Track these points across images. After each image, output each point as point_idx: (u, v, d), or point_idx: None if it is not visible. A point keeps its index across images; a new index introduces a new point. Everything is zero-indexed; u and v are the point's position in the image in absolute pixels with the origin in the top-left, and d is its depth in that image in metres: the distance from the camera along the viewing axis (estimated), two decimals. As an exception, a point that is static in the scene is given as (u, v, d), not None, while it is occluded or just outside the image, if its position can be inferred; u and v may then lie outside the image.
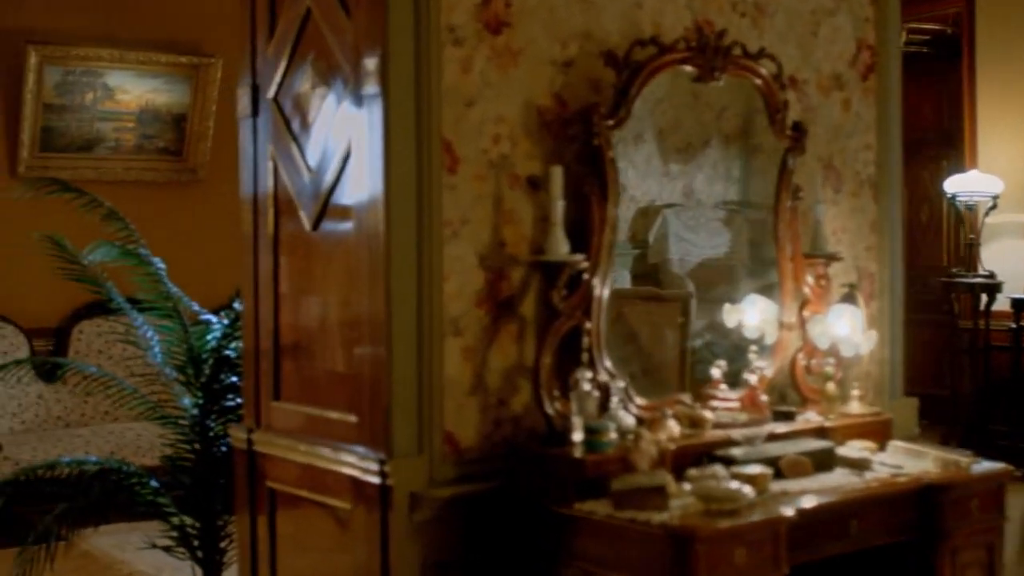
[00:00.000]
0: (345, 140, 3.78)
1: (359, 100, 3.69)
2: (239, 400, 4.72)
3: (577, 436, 3.59)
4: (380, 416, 3.64)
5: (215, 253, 8.56)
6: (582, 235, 3.79)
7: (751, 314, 4.20)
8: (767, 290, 4.26)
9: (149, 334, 4.85)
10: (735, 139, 4.37)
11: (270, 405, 4.16)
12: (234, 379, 4.74)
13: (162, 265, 5.03)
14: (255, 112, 4.21)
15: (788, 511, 3.39)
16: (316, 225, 3.94)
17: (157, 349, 4.82)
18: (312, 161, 3.95)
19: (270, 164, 4.15)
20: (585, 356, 3.68)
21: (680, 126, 4.18)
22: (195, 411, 4.77)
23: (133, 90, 8.50)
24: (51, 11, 8.24)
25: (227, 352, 4.71)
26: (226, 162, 9.27)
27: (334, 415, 3.85)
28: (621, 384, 3.77)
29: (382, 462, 3.59)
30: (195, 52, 8.66)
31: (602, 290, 3.78)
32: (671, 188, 4.24)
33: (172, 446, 4.78)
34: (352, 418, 3.77)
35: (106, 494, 4.61)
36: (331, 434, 3.85)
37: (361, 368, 3.72)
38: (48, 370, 8.14)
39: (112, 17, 8.41)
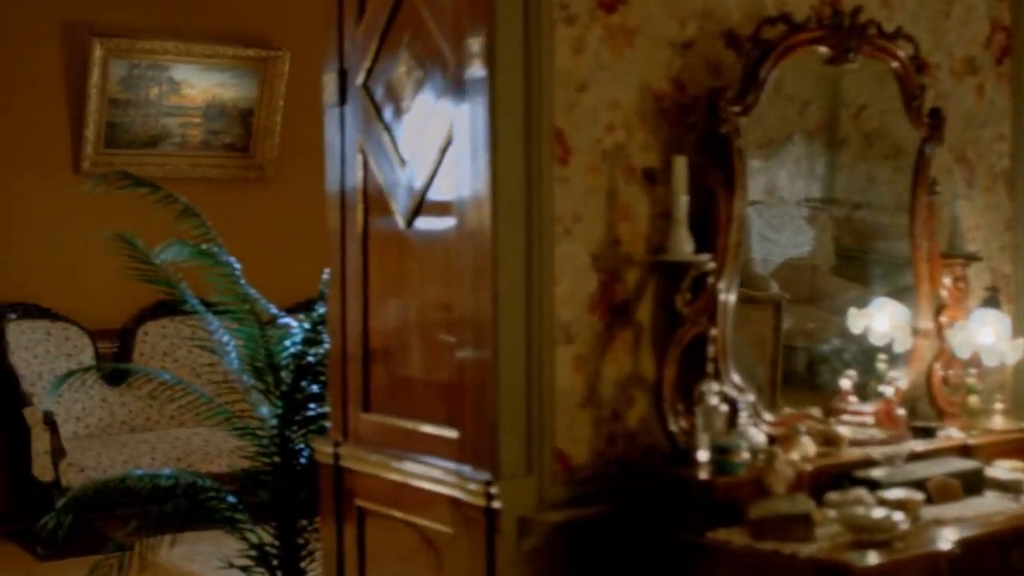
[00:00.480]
0: (444, 129, 3.45)
1: (461, 85, 3.36)
2: (321, 410, 4.42)
3: (703, 455, 3.24)
4: (485, 431, 3.31)
5: (283, 253, 8.29)
6: (704, 234, 3.44)
7: (880, 319, 3.83)
8: (883, 294, 3.90)
9: (225, 339, 4.55)
10: (819, 134, 4.01)
11: (359, 416, 3.85)
12: (316, 387, 4.43)
13: (238, 265, 4.74)
14: (342, 100, 3.89)
15: (946, 543, 3.02)
16: (411, 222, 3.62)
17: (234, 355, 4.52)
18: (406, 152, 3.63)
19: (359, 156, 3.84)
20: (711, 367, 3.32)
21: (760, 121, 3.80)
22: (274, 421, 4.46)
23: (199, 84, 8.24)
24: (116, 3, 7.99)
25: (308, 358, 4.40)
26: (294, 159, 9.04)
27: (432, 429, 3.52)
28: (750, 398, 3.41)
29: (488, 483, 3.25)
30: (262, 45, 8.39)
31: (728, 294, 3.42)
32: (753, 185, 3.90)
33: (250, 458, 4.46)
34: (452, 433, 3.44)
35: (180, 508, 4.31)
36: (428, 450, 3.52)
37: (463, 378, 3.39)
38: (113, 373, 7.90)
39: (178, 9, 8.15)
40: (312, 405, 4.38)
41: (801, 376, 3.95)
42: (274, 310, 4.67)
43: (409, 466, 3.56)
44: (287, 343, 4.52)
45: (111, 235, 4.59)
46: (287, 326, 4.63)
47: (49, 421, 7.09)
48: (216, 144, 8.43)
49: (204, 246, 4.69)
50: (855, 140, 3.98)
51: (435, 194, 3.53)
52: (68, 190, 8.10)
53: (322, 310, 4.52)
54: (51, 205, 8.08)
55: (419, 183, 3.56)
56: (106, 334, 8.09)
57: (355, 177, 3.86)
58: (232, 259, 4.75)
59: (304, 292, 8.13)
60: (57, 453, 7.05)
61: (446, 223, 3.47)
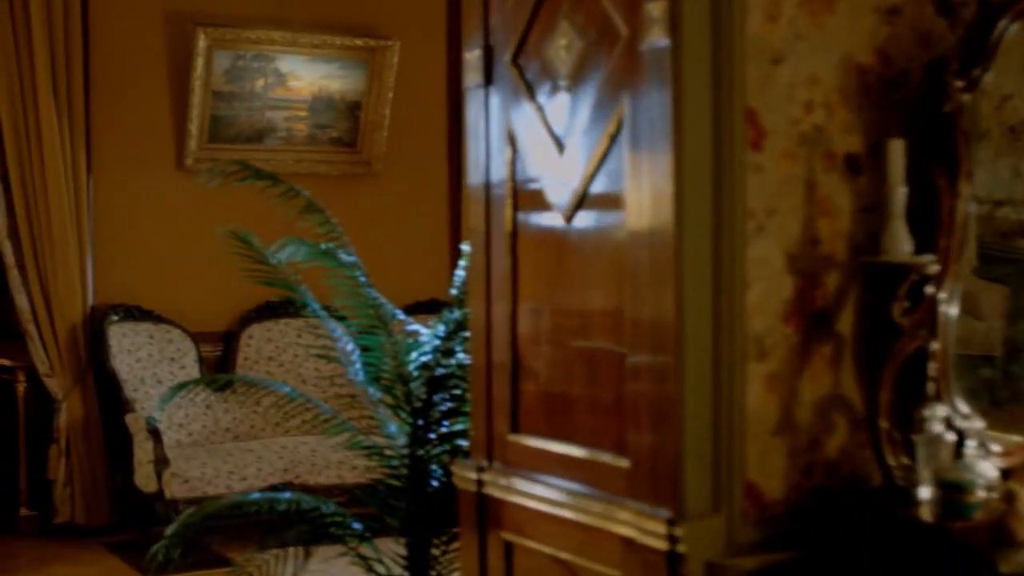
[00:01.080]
0: (613, 109, 2.98)
1: (636, 58, 2.89)
2: (455, 427, 3.99)
3: (925, 493, 2.74)
4: (664, 461, 2.83)
5: (393, 253, 7.89)
6: (920, 232, 2.93)
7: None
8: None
9: (349, 347, 4.12)
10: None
11: (506, 438, 3.39)
12: (449, 402, 3.99)
13: (361, 265, 4.32)
14: (488, 80, 3.44)
15: None
16: (571, 217, 3.15)
17: (359, 365, 4.09)
18: (566, 137, 3.16)
19: (507, 143, 3.38)
20: (932, 388, 2.82)
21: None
22: (403, 439, 4.02)
23: (306, 76, 7.88)
24: (221, -9, 7.68)
25: (441, 370, 3.96)
26: (404, 154, 8.64)
27: (597, 456, 3.06)
28: (978, 424, 2.89)
29: (670, 522, 2.78)
30: (371, 34, 8.01)
31: (950, 303, 2.91)
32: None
33: (379, 481, 4.03)
34: (623, 462, 2.97)
35: (303, 535, 3.90)
36: (592, 480, 3.06)
37: (637, 398, 2.92)
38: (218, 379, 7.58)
39: (285, -4, 7.82)
40: (445, 423, 3.93)
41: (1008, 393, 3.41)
42: (400, 315, 4.23)
43: (568, 498, 3.10)
44: (415, 353, 4.09)
45: (225, 232, 4.18)
46: (414, 333, 4.19)
47: (152, 429, 6.76)
48: (322, 139, 8.07)
49: (324, 245, 4.28)
50: (997, 133, 3.43)
51: (601, 185, 3.06)
52: (171, 187, 7.79)
53: (455, 315, 4.08)
54: (153, 202, 7.78)
55: (581, 173, 3.10)
56: (209, 337, 7.77)
57: (502, 167, 3.40)
58: (355, 259, 4.34)
59: (416, 294, 7.75)
60: (160, 462, 6.73)
61: (614, 219, 3.00)
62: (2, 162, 7.24)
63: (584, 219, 3.13)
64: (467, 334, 3.97)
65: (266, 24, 7.70)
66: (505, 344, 3.39)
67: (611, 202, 3.02)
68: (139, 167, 7.66)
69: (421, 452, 3.96)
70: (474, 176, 3.52)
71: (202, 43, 7.45)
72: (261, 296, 7.79)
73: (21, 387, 7.34)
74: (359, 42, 7.91)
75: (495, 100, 3.43)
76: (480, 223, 3.49)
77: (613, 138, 3.00)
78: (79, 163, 7.36)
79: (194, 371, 7.50)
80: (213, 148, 7.69)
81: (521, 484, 3.29)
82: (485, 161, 3.48)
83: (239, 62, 7.64)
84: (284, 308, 7.84)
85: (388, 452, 4.02)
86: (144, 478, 6.92)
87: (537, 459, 3.27)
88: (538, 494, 3.21)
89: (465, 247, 4.60)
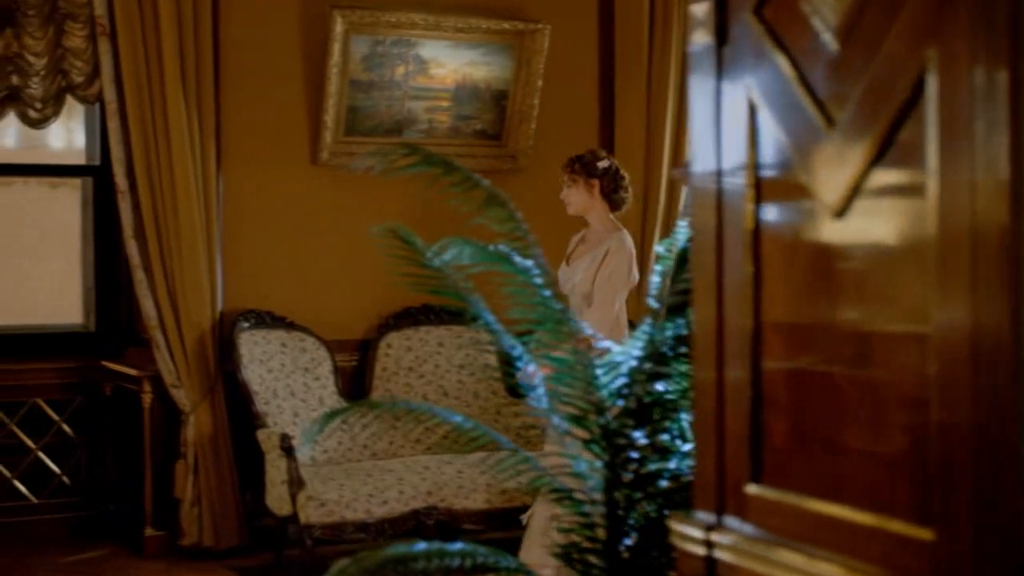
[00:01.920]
0: (910, 70, 2.27)
1: (949, 2, 2.18)
2: (659, 466, 3.30)
3: None
4: (992, 534, 2.11)
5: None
6: None
7: None
8: None
9: (531, 368, 3.46)
10: None
11: (744, 490, 2.70)
12: (648, 438, 3.31)
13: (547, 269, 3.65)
14: (722, 38, 2.75)
15: None
16: (843, 211, 2.44)
17: (542, 390, 3.42)
18: (837, 108, 2.46)
19: (746, 116, 2.69)
20: None
21: None
22: (597, 481, 3.35)
23: (449, 63, 7.27)
24: (359, -30, 7.10)
25: (645, 399, 3.27)
26: (551, 148, 7.89)
27: (880, 522, 2.35)
28: None
29: (1006, 621, 2.06)
30: (519, 17, 7.37)
31: None
32: None
33: (570, 531, 3.36)
34: (921, 532, 2.25)
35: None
36: (875, 554, 2.35)
37: (945, 447, 2.20)
38: (353, 390, 7.03)
39: (426, -24, 7.22)
40: (651, 465, 3.24)
41: None
42: (588, 330, 3.56)
43: (839, 572, 2.40)
44: (607, 376, 3.41)
45: (380, 230, 3.55)
46: (604, 350, 3.52)
47: (286, 446, 6.20)
48: (466, 131, 7.45)
49: (494, 246, 3.64)
50: None
51: (889, 171, 2.35)
52: (304, 183, 7.26)
53: (652, 330, 3.40)
54: (285, 200, 7.24)
55: (859, 154, 2.39)
56: (345, 345, 7.21)
57: (740, 147, 2.71)
58: (531, 263, 3.68)
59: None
60: (295, 483, 6.17)
61: (910, 213, 2.29)
62: (128, 157, 6.77)
63: (862, 214, 2.41)
64: (672, 353, 3.30)
65: (407, 6, 7.11)
66: (743, 369, 2.70)
67: (905, 191, 2.31)
68: (270, 162, 7.13)
69: (620, 497, 3.28)
70: (701, 161, 2.83)
71: (339, 27, 6.88)
72: (400, 301, 7.23)
73: (147, 398, 6.85)
74: (506, 25, 7.28)
75: (731, 63, 2.74)
76: (709, 220, 2.80)
77: (907, 108, 2.28)
78: (208, 158, 6.86)
79: (329, 383, 6.94)
80: (349, 141, 7.13)
81: (768, 551, 2.59)
82: (716, 142, 2.79)
83: (378, 48, 7.06)
84: (425, 315, 7.26)
85: (578, 496, 3.35)
86: (277, 500, 6.38)
87: (790, 519, 2.57)
88: (794, 565, 2.51)
89: (660, 248, 3.92)
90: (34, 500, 7.24)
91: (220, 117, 6.97)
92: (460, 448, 3.51)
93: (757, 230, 2.68)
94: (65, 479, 7.31)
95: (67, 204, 7.81)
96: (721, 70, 2.76)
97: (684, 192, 7.72)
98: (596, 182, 5.88)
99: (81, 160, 7.69)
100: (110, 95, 6.73)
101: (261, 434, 6.47)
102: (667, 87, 7.78)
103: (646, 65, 7.76)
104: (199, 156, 6.80)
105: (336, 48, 6.89)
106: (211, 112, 6.88)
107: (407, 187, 7.23)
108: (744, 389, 2.70)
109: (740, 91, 2.71)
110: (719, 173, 2.77)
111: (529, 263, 3.66)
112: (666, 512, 3.16)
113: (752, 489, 2.68)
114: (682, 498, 3.14)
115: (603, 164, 5.90)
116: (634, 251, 5.94)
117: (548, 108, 7.52)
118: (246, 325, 6.86)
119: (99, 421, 7.33)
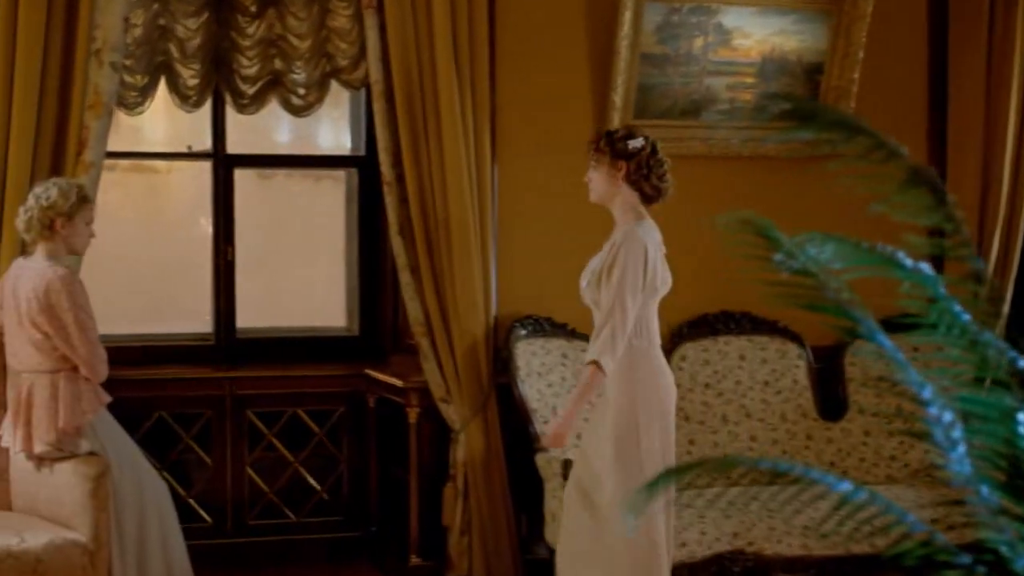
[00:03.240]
0: None
1: None
2: None
3: None
4: None
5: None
6: None
7: None
8: None
9: (947, 416, 2.47)
10: None
11: None
12: None
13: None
14: None
15: None
16: None
17: (962, 449, 2.43)
18: None
19: None
20: None
21: None
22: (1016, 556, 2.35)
23: (755, 33, 6.33)
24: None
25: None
26: (875, 127, 6.92)
27: None
28: None
29: None
30: (840, -23, 6.32)
31: None
32: None
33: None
34: None
35: None
36: None
37: None
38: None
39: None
40: None
41: None
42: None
43: None
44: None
45: (731, 219, 2.62)
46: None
47: (568, 474, 5.38)
48: (773, 111, 6.44)
49: (881, 247, 2.67)
50: None
51: None
52: (584, 173, 6.43)
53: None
54: (567, 192, 6.38)
55: None
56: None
57: None
58: (925, 266, 2.69)
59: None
60: (579, 518, 5.31)
61: None
62: (395, 144, 6.10)
63: None
64: None
65: (708, -32, 6.19)
66: None
67: None
68: (550, 148, 6.33)
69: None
70: None
71: (631, -6, 6.03)
72: (695, 307, 6.33)
73: (413, 413, 6.16)
74: (823, -13, 6.26)
75: None
76: None
77: None
78: (482, 144, 6.12)
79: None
80: (639, 124, 6.23)
81: None
82: None
83: (673, 17, 6.16)
84: (724, 323, 6.36)
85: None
86: (555, 533, 5.57)
87: None
88: None
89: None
90: (293, 517, 6.69)
91: (495, 100, 6.21)
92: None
93: None
94: (325, 495, 6.73)
95: (331, 198, 7.25)
96: None
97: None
98: (623, 164, 4.85)
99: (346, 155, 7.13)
100: (376, 74, 6.07)
101: (540, 459, 5.68)
102: (1012, 66, 6.60)
103: (986, 35, 6.61)
104: (472, 143, 6.07)
105: (626, 17, 6.02)
106: (485, 94, 6.13)
107: (708, 171, 6.34)
108: None
109: None
110: None
111: (925, 267, 2.68)
112: None
113: None
114: None
115: (635, 144, 4.84)
116: (659, 245, 4.85)
117: (870, 83, 6.46)
118: (523, 333, 6.08)
119: (362, 433, 6.72)
